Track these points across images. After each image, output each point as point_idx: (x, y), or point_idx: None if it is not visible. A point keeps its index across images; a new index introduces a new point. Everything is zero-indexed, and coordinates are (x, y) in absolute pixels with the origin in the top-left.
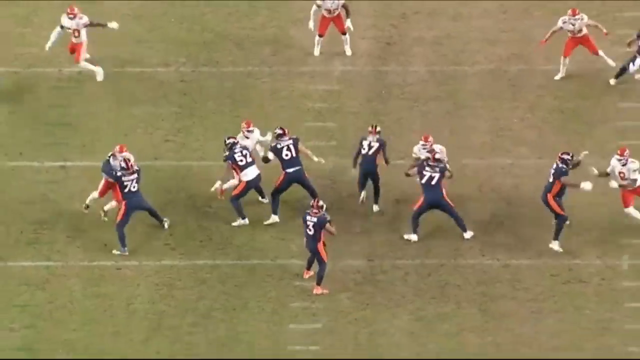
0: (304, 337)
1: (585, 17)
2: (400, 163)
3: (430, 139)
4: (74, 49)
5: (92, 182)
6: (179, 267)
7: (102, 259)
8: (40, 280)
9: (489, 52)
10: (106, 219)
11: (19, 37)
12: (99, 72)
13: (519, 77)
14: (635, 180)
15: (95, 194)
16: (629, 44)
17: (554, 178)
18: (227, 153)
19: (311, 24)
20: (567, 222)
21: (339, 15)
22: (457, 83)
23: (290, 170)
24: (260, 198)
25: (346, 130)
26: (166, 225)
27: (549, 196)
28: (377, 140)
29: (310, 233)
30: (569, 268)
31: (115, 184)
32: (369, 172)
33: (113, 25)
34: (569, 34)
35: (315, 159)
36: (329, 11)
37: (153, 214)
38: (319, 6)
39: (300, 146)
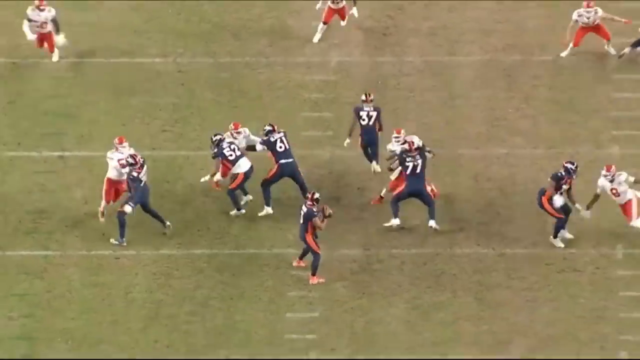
0: (301, 326)
1: (600, 11)
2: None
3: (402, 131)
4: (42, 40)
5: (91, 172)
6: (177, 257)
7: (100, 248)
8: (38, 269)
9: (484, 43)
10: (102, 219)
11: (18, 28)
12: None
13: (514, 68)
14: (625, 192)
15: (104, 203)
16: None
17: (550, 178)
18: (215, 150)
19: (319, 5)
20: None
21: (344, 8)
22: (452, 73)
23: (284, 161)
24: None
25: (342, 120)
26: (168, 223)
27: (543, 199)
28: (375, 109)
29: (301, 222)
30: (564, 257)
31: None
32: (372, 142)
33: (59, 39)
34: (583, 25)
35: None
36: (336, 2)
37: (154, 214)
38: None
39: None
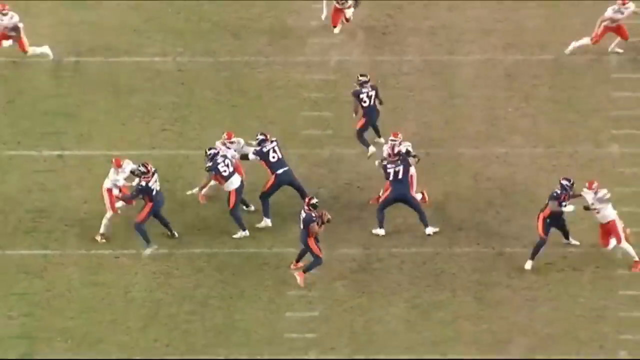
0: (301, 325)
1: (632, 5)
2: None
3: (400, 135)
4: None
5: (90, 171)
6: (176, 256)
7: (99, 247)
8: (38, 268)
9: (484, 42)
10: (104, 241)
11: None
12: (48, 51)
13: (513, 67)
14: (605, 210)
15: (108, 214)
16: None
17: (548, 199)
18: (209, 164)
19: (324, 15)
20: (543, 248)
21: (349, 8)
22: (452, 73)
23: (280, 171)
24: (245, 207)
25: (342, 119)
26: (176, 235)
27: (540, 215)
28: (372, 87)
29: (301, 227)
30: (564, 256)
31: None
32: (373, 121)
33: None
34: (607, 23)
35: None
36: (341, 2)
37: (164, 223)
38: None
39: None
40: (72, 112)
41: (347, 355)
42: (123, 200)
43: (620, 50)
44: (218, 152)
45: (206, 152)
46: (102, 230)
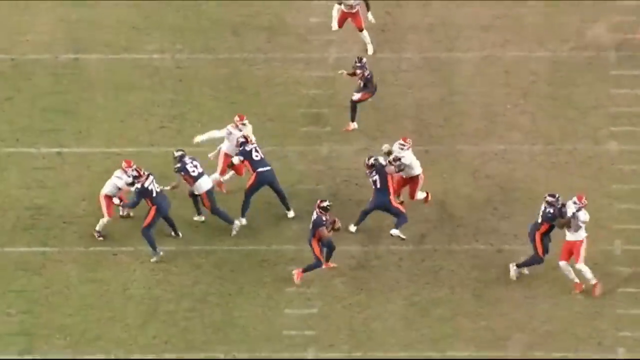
0: (299, 322)
1: None
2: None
3: (409, 140)
4: None
5: (89, 168)
6: (175, 253)
7: (98, 244)
8: (36, 265)
9: (482, 39)
10: (101, 238)
11: (16, 24)
12: None
13: (512, 64)
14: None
15: (104, 219)
16: None
17: (542, 220)
18: (178, 165)
19: (334, 25)
20: (540, 264)
21: (357, 12)
22: (451, 69)
23: (262, 169)
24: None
25: (341, 116)
26: (180, 235)
27: (537, 233)
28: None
29: (310, 227)
30: None
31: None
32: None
33: None
34: None
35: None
36: (350, 6)
37: (171, 223)
38: (340, 3)
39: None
40: (71, 109)
41: (346, 352)
42: (126, 207)
43: None
44: (185, 154)
45: (174, 154)
46: (98, 228)
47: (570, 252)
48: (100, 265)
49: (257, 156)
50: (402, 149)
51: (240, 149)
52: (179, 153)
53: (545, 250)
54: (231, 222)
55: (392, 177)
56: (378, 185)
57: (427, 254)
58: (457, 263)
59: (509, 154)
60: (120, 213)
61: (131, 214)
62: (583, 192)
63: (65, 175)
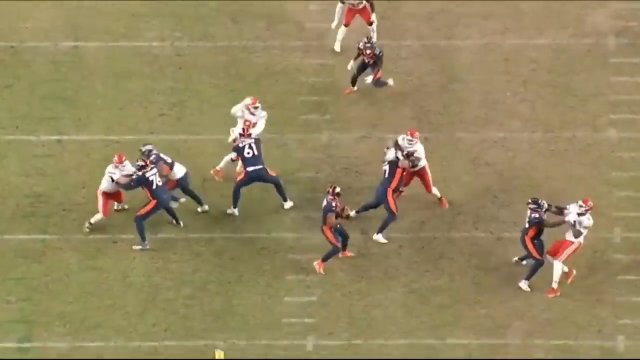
0: (299, 310)
1: None
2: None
3: (417, 134)
4: None
5: (88, 156)
6: (175, 240)
7: (97, 232)
8: (36, 253)
9: (482, 26)
10: (88, 230)
11: (16, 12)
12: None
13: (512, 51)
14: (578, 234)
15: (99, 216)
16: None
17: (529, 225)
18: (152, 157)
19: (335, 24)
20: (542, 267)
21: (364, 8)
22: (450, 57)
23: (251, 169)
24: (178, 201)
25: (340, 104)
26: (182, 224)
27: (526, 238)
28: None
29: (321, 214)
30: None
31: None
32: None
33: None
34: None
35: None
36: (354, 4)
37: (172, 214)
38: (343, 2)
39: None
40: (70, 96)
41: (346, 340)
42: (120, 186)
43: None
44: (152, 149)
45: (141, 149)
46: (92, 220)
47: (558, 250)
48: (100, 252)
49: (249, 153)
50: (411, 143)
51: (235, 145)
52: (147, 147)
53: (540, 252)
54: (202, 204)
55: (401, 172)
56: (386, 176)
57: (426, 241)
58: (457, 251)
59: (509, 141)
60: (115, 207)
61: (126, 206)
62: (582, 179)
63: (64, 163)
